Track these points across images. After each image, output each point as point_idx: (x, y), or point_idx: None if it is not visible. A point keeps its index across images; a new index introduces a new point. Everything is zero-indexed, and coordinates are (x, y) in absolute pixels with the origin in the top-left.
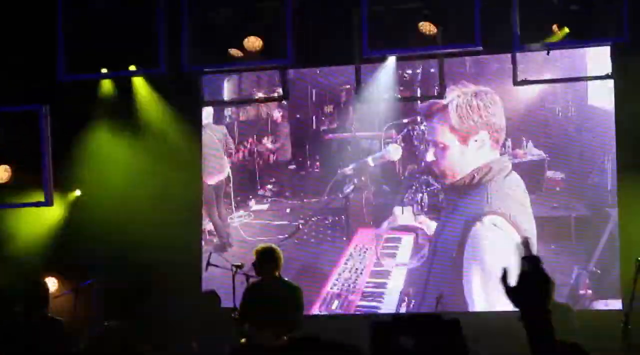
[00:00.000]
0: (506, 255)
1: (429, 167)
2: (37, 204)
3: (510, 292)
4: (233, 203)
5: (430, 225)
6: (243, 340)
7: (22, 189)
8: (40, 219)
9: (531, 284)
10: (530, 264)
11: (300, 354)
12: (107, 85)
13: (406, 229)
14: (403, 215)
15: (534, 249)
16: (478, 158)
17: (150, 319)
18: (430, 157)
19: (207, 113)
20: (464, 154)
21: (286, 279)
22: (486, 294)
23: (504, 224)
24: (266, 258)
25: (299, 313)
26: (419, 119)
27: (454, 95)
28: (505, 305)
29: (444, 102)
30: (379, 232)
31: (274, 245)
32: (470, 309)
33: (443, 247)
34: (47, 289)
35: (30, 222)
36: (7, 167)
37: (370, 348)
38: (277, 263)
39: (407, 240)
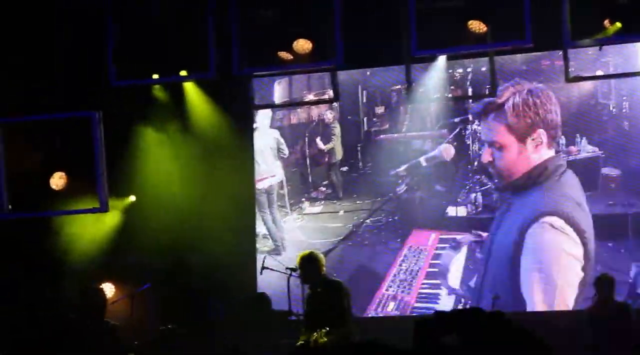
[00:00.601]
0: (564, 256)
1: (485, 167)
2: (93, 211)
3: None
4: (287, 205)
5: (483, 234)
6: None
7: (78, 195)
8: (96, 225)
9: None
10: None
11: None
12: (159, 91)
13: (459, 244)
14: (457, 216)
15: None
16: (535, 157)
17: (205, 323)
18: (486, 157)
19: (261, 116)
20: (522, 153)
21: (329, 277)
22: (544, 294)
23: (561, 225)
24: (306, 265)
25: (344, 307)
26: (470, 118)
27: (509, 94)
28: (563, 305)
29: (498, 101)
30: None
31: (312, 250)
32: (529, 309)
33: (499, 247)
34: (105, 295)
35: (87, 229)
36: (62, 174)
37: (414, 344)
38: (318, 266)
39: (460, 258)
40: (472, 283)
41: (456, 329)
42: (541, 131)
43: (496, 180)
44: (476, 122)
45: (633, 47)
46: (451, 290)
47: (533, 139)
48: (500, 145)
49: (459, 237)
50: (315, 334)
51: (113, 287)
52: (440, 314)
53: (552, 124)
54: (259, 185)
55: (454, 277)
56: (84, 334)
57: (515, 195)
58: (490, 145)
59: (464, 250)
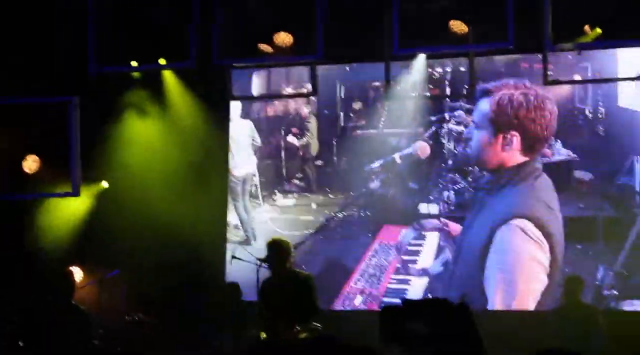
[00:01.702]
0: (530, 259)
1: (464, 163)
2: (65, 195)
3: None
4: (260, 197)
5: (454, 227)
6: (263, 334)
7: (51, 179)
8: (68, 209)
9: None
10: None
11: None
12: (136, 79)
13: (426, 230)
14: (429, 214)
15: (560, 255)
16: (505, 156)
17: (174, 311)
18: (465, 133)
19: (236, 107)
20: (491, 146)
21: (298, 270)
22: (504, 295)
23: (531, 228)
24: (275, 251)
25: (312, 300)
26: (447, 117)
27: (503, 87)
28: (522, 305)
29: (491, 89)
30: (402, 243)
31: (283, 238)
32: (489, 308)
33: (468, 246)
34: (74, 279)
35: (58, 213)
36: (36, 157)
37: (380, 332)
38: (287, 255)
39: (430, 240)
40: (440, 280)
41: (423, 317)
42: (515, 134)
43: (470, 169)
44: (453, 121)
45: (612, 53)
46: (419, 287)
47: (504, 137)
48: (478, 127)
49: (424, 222)
50: (292, 328)
51: (81, 271)
52: (407, 301)
53: (531, 133)
54: (235, 173)
55: (422, 261)
56: (53, 317)
57: (488, 195)
58: (474, 124)
59: (432, 236)
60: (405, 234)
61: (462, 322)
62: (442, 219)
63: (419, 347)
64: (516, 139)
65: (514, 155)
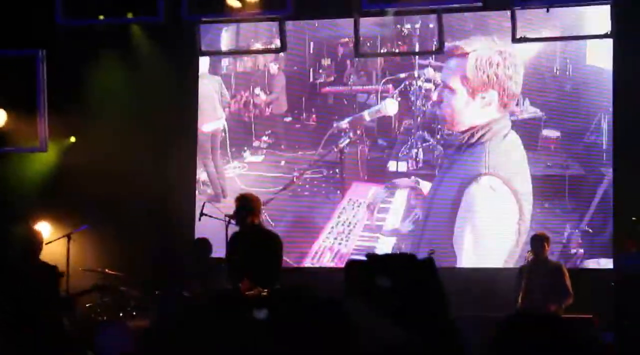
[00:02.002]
0: (498, 217)
1: (430, 119)
2: (32, 150)
3: None
4: (228, 153)
5: (424, 185)
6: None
7: (17, 134)
8: (35, 164)
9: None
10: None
11: (278, 305)
12: (104, 32)
13: (398, 188)
14: (397, 172)
15: (528, 212)
16: (481, 115)
17: (142, 267)
18: (435, 96)
19: (204, 63)
20: (468, 106)
21: (267, 228)
22: (474, 252)
23: (500, 186)
24: (243, 206)
25: (276, 262)
26: (416, 74)
27: (478, 46)
28: (491, 263)
29: (466, 49)
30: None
31: (252, 193)
32: (458, 265)
33: (438, 204)
34: (41, 236)
35: (25, 168)
36: (2, 111)
37: (345, 287)
38: (255, 211)
39: (400, 198)
40: (409, 238)
41: (388, 272)
42: (493, 92)
43: (439, 127)
44: (422, 78)
45: (579, 11)
46: (388, 244)
47: (483, 97)
48: (451, 90)
49: (397, 180)
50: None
51: (49, 226)
52: (372, 256)
53: (507, 91)
54: (204, 129)
55: (393, 219)
56: (20, 273)
57: (458, 152)
58: (443, 87)
59: (402, 211)
60: (377, 192)
61: (426, 276)
62: (413, 178)
63: (383, 301)
64: (495, 96)
65: (490, 113)
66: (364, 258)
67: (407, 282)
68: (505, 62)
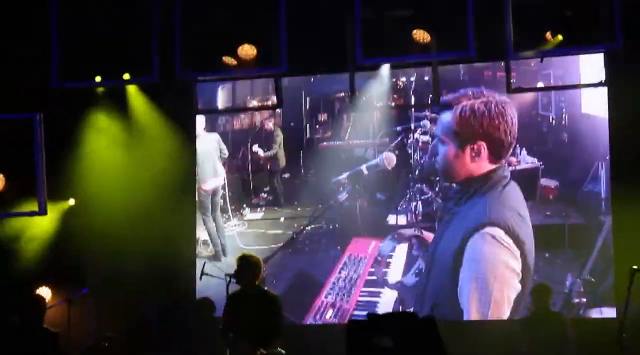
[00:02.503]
0: (502, 268)
1: (429, 173)
2: (31, 214)
3: None
4: (229, 211)
5: (429, 235)
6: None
7: (16, 198)
8: (34, 228)
9: None
10: None
11: None
12: (101, 94)
13: (403, 239)
14: (397, 225)
15: (532, 262)
16: (474, 167)
17: (145, 329)
18: (433, 150)
19: (201, 121)
20: (459, 159)
21: (266, 288)
22: (480, 304)
23: (502, 236)
24: (245, 266)
25: (277, 323)
26: (412, 127)
27: (465, 99)
28: (496, 315)
29: (451, 102)
30: (382, 255)
31: (253, 254)
32: (465, 318)
33: (440, 256)
34: (44, 302)
35: (24, 232)
36: (0, 176)
37: (347, 347)
38: (256, 271)
39: (401, 252)
40: (412, 291)
41: (389, 331)
42: (482, 144)
43: (437, 179)
44: (418, 131)
45: (574, 60)
46: (391, 299)
47: (472, 149)
48: (443, 142)
49: (401, 230)
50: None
51: (50, 291)
52: (373, 316)
53: (496, 141)
54: (205, 187)
55: (396, 271)
56: (24, 340)
57: (458, 205)
58: (438, 139)
59: (403, 247)
60: (385, 245)
61: (427, 335)
62: (416, 229)
63: None
64: (483, 148)
65: (483, 164)
66: (364, 318)
67: (408, 342)
68: (492, 112)
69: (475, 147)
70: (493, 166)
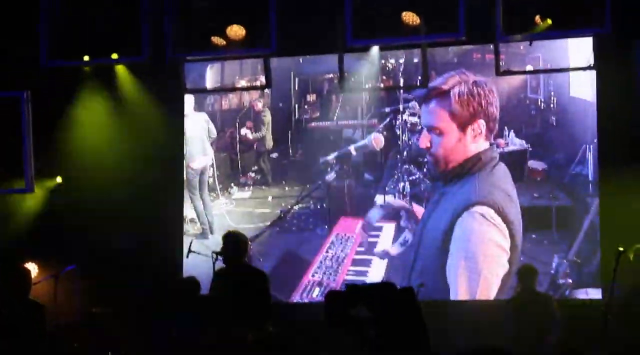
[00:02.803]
0: (491, 246)
1: (416, 156)
2: (18, 191)
3: None
4: (217, 190)
5: (418, 209)
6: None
7: (3, 175)
8: (22, 205)
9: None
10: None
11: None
12: (89, 73)
13: (392, 209)
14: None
15: (519, 242)
16: (472, 147)
17: (131, 306)
18: (424, 143)
19: (189, 100)
20: (461, 141)
21: (253, 266)
22: (468, 283)
23: (491, 215)
24: (230, 243)
25: (264, 299)
26: (401, 108)
27: (455, 82)
28: (485, 295)
29: (444, 87)
30: (369, 222)
31: (239, 231)
32: (452, 298)
33: (429, 235)
34: (30, 276)
35: (11, 209)
36: None
37: (325, 317)
38: (242, 248)
39: (389, 228)
40: (399, 271)
41: (367, 302)
42: (481, 122)
43: (427, 169)
44: (407, 112)
45: (562, 44)
46: (377, 278)
47: (473, 129)
48: (440, 131)
49: (385, 225)
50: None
51: (36, 267)
52: (351, 287)
53: (491, 117)
54: (193, 165)
55: (381, 265)
56: (9, 313)
57: (447, 185)
58: (429, 131)
59: (391, 236)
60: (372, 212)
61: (406, 305)
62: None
63: (362, 331)
64: (483, 125)
65: (481, 143)
66: (343, 289)
67: (386, 312)
68: (484, 90)
69: (476, 126)
70: (486, 144)
